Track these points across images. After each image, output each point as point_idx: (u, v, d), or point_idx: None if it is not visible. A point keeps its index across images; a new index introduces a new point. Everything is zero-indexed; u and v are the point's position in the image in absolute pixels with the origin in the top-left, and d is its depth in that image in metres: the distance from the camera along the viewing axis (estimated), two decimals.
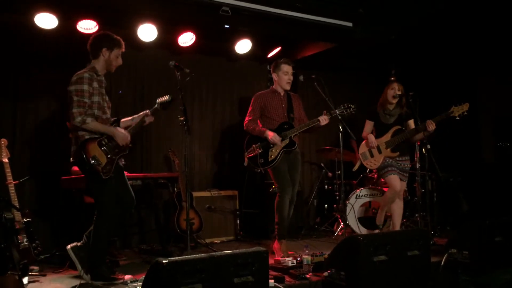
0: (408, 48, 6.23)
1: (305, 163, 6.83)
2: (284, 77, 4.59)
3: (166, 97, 3.95)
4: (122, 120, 3.92)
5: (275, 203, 4.50)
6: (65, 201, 4.77)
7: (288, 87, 4.64)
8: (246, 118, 4.63)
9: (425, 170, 5.35)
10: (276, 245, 4.47)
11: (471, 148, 6.68)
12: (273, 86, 4.73)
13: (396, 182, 4.74)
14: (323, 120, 4.42)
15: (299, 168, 4.66)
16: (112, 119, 3.80)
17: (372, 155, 4.85)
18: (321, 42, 5.98)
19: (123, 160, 3.84)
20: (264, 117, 4.61)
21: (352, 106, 4.46)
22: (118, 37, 3.76)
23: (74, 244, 3.67)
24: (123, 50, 3.79)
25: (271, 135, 4.41)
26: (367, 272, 3.13)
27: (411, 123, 4.94)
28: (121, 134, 3.63)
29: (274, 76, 4.68)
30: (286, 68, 4.59)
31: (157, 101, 3.95)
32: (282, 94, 4.66)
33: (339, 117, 4.40)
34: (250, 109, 4.66)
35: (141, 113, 3.91)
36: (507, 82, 6.37)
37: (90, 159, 3.48)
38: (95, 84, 3.61)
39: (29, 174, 4.22)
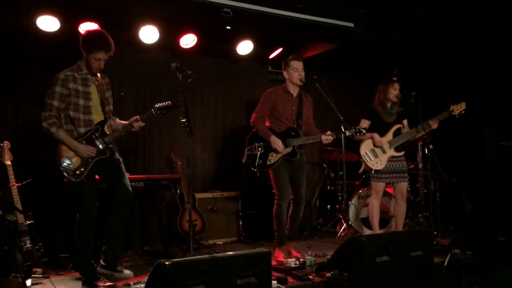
0: (410, 48, 6.22)
1: (308, 164, 6.80)
2: (294, 73, 4.44)
3: (166, 102, 3.79)
4: (118, 121, 3.86)
5: (273, 210, 4.47)
6: (67, 203, 4.77)
7: (300, 83, 4.46)
8: (254, 114, 4.52)
9: (427, 170, 5.33)
10: (276, 251, 4.46)
11: (473, 148, 6.67)
12: (285, 84, 4.57)
13: (381, 190, 4.84)
14: (325, 140, 4.35)
15: (304, 168, 4.58)
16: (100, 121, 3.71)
17: (376, 156, 4.80)
18: (322, 43, 5.98)
19: (118, 156, 3.79)
20: (273, 117, 4.50)
21: (364, 131, 4.33)
22: (105, 40, 3.59)
23: (46, 276, 3.78)
24: (110, 54, 3.65)
25: (275, 143, 4.32)
26: (370, 273, 3.12)
27: (406, 122, 4.96)
28: (83, 148, 3.53)
29: (285, 74, 4.53)
30: (296, 65, 4.45)
31: (154, 106, 3.80)
32: (294, 95, 4.52)
33: (344, 121, 4.28)
34: (259, 105, 4.53)
35: (132, 118, 3.81)
36: (510, 82, 6.36)
37: (62, 160, 3.48)
38: (72, 85, 3.56)
39: (32, 177, 4.22)
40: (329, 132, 4.38)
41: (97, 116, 3.71)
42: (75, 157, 3.54)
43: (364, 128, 4.35)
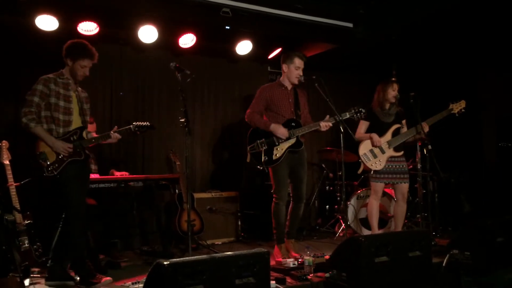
0: (409, 48, 6.22)
1: (306, 164, 6.82)
2: (295, 71, 4.39)
3: (145, 123, 3.96)
4: (93, 134, 3.93)
5: (272, 208, 4.45)
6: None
7: (296, 82, 4.43)
8: (249, 110, 4.44)
9: (426, 170, 5.34)
10: (275, 249, 4.46)
11: (472, 148, 6.67)
12: (280, 79, 4.54)
13: (380, 190, 4.83)
14: (324, 126, 4.30)
15: (305, 165, 4.53)
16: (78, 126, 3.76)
17: (375, 156, 4.79)
18: (322, 43, 5.98)
19: (93, 165, 3.84)
20: (270, 112, 4.43)
21: (363, 110, 4.31)
22: (88, 48, 3.73)
23: (44, 276, 3.72)
24: (94, 61, 3.78)
25: (278, 129, 4.26)
26: (368, 273, 3.12)
27: (405, 122, 4.96)
28: (60, 144, 3.61)
29: (284, 67, 4.45)
30: (299, 63, 4.39)
31: (133, 123, 3.95)
32: (289, 88, 4.48)
33: (342, 120, 4.24)
34: (254, 101, 4.47)
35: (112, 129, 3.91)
36: (509, 82, 6.37)
37: (38, 154, 3.57)
38: (53, 86, 3.65)
39: (30, 176, 4.21)
40: (327, 117, 4.33)
41: (76, 121, 3.77)
42: (51, 153, 3.61)
43: (364, 112, 4.34)
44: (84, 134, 3.79)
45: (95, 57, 3.78)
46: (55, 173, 3.59)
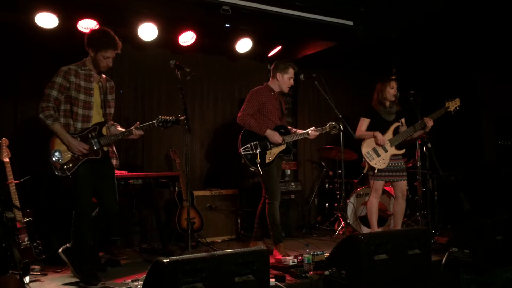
0: (409, 46, 6.22)
1: (306, 162, 6.84)
2: (288, 81, 4.55)
3: (170, 117, 3.75)
4: (118, 128, 3.82)
5: (266, 210, 4.45)
6: (66, 200, 4.77)
7: (287, 91, 4.64)
8: (241, 112, 4.48)
9: (426, 168, 5.34)
10: (274, 251, 4.42)
11: (472, 146, 6.68)
12: (269, 83, 4.62)
13: (380, 188, 4.84)
14: (313, 135, 4.48)
15: (280, 166, 4.76)
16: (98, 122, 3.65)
17: (378, 154, 4.78)
18: (321, 41, 5.97)
19: (114, 160, 3.78)
20: (260, 115, 4.51)
21: (337, 126, 4.41)
22: (111, 37, 3.58)
23: (65, 246, 3.65)
24: (117, 51, 3.64)
25: (273, 136, 4.39)
26: (368, 271, 3.13)
27: (403, 120, 4.97)
28: (75, 144, 3.49)
29: (278, 76, 4.55)
30: (292, 74, 4.55)
31: (158, 117, 3.75)
32: (276, 95, 4.60)
33: (343, 120, 4.36)
34: (246, 103, 4.52)
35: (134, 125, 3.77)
36: (508, 81, 6.37)
37: (53, 152, 3.47)
38: (73, 78, 3.53)
39: (30, 174, 4.22)
40: (313, 128, 4.51)
41: (96, 115, 3.67)
42: (66, 152, 3.51)
43: (338, 128, 4.41)
44: (104, 130, 3.66)
45: (118, 47, 3.62)
46: (68, 173, 3.48)
